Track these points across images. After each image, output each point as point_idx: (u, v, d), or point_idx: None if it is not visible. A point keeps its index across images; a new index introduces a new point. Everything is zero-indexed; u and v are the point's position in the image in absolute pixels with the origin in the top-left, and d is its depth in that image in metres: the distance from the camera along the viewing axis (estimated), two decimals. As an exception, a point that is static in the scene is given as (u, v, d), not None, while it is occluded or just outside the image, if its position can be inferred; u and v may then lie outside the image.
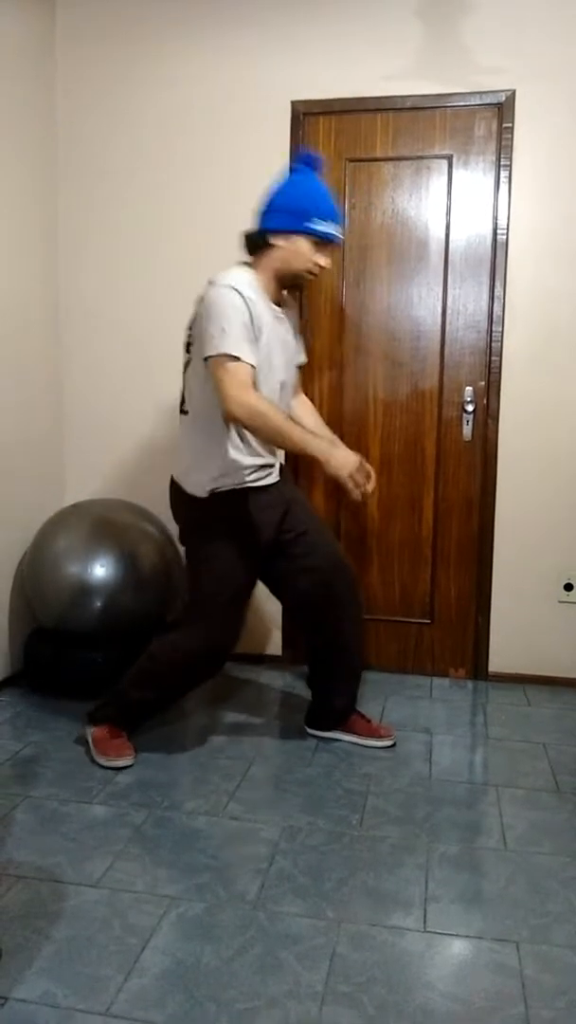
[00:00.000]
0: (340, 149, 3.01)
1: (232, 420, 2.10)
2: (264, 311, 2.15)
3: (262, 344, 2.14)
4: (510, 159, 2.89)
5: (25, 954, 1.62)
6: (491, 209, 2.95)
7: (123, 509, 2.98)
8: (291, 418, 2.25)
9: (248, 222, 2.26)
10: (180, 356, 2.37)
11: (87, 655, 2.85)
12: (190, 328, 2.22)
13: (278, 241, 2.17)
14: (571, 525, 3.02)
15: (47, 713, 2.76)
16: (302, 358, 2.45)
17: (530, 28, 2.83)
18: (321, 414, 2.76)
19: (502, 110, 2.88)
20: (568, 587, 3.05)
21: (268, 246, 2.18)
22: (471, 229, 2.97)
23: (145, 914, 1.75)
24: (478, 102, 2.89)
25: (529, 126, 2.87)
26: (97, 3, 3.11)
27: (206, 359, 2.10)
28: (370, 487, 2.15)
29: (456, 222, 2.98)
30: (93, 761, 2.41)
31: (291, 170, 2.24)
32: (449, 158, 2.96)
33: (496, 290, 2.95)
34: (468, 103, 2.90)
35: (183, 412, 2.29)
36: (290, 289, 2.29)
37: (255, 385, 2.11)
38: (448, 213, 2.98)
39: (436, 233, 3.00)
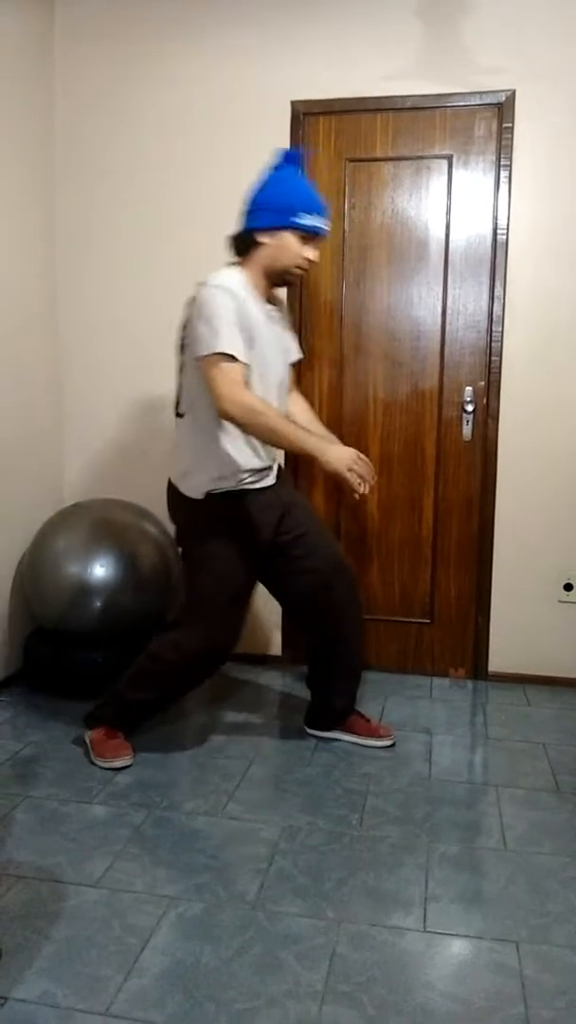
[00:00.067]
0: (340, 149, 3.01)
1: (226, 419, 2.10)
2: (255, 310, 2.16)
3: (255, 343, 2.14)
4: (510, 159, 2.89)
5: (25, 954, 1.62)
6: (491, 209, 2.95)
7: (123, 509, 2.98)
8: (286, 416, 2.25)
9: (248, 222, 2.26)
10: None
11: (87, 655, 2.85)
12: (182, 330, 2.22)
13: (265, 239, 2.17)
14: (571, 525, 3.02)
15: (47, 713, 2.76)
16: (296, 356, 2.45)
17: (530, 28, 2.83)
18: (321, 414, 2.76)
19: (502, 110, 2.88)
20: (568, 587, 3.05)
21: (256, 245, 2.18)
22: (471, 229, 2.97)
23: (145, 914, 1.75)
24: (478, 102, 2.89)
25: (529, 126, 2.87)
26: (96, 2, 3.11)
27: (198, 359, 2.10)
28: (371, 481, 2.15)
29: (456, 222, 2.98)
30: (92, 762, 2.41)
31: (272, 167, 2.23)
32: (449, 158, 2.96)
33: (496, 290, 2.95)
34: (468, 103, 2.90)
35: (178, 415, 2.29)
36: (281, 286, 2.28)
37: (248, 384, 2.11)
38: (448, 213, 2.98)
39: (436, 233, 3.00)
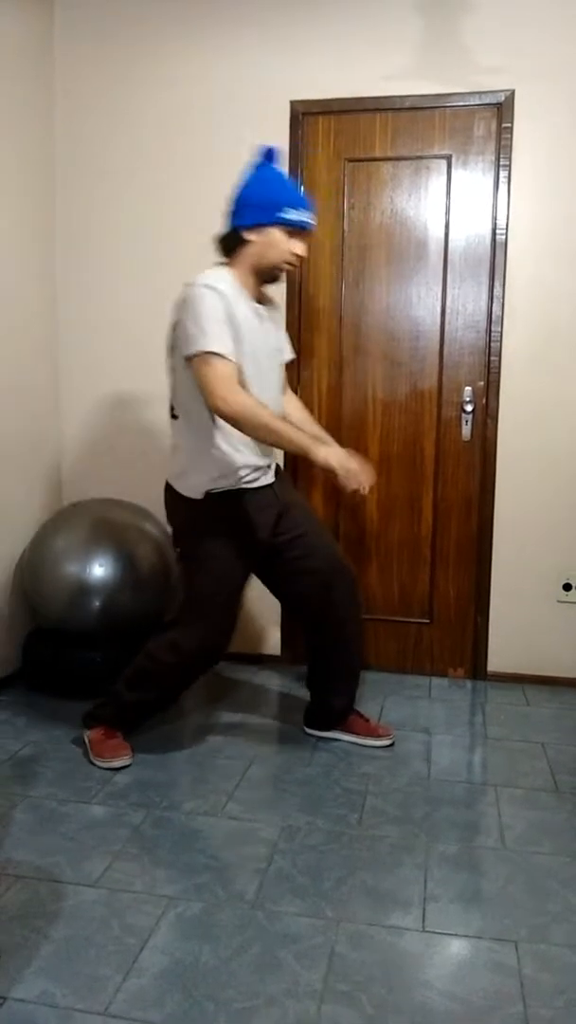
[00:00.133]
0: (339, 149, 3.01)
1: (219, 416, 2.10)
2: (244, 308, 2.16)
3: (244, 342, 2.14)
4: (509, 159, 2.89)
5: (24, 954, 1.62)
6: (490, 209, 2.95)
7: (122, 509, 2.98)
8: (281, 416, 2.25)
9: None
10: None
11: (86, 655, 2.85)
12: (171, 332, 2.21)
13: (252, 236, 2.17)
14: (570, 525, 3.03)
15: (46, 713, 2.76)
16: (288, 355, 2.45)
17: (529, 28, 2.83)
18: (320, 414, 2.77)
19: (501, 110, 2.88)
20: (567, 587, 3.05)
21: (243, 243, 2.18)
22: (470, 229, 2.97)
23: (144, 914, 1.75)
24: (477, 102, 2.89)
25: (528, 126, 2.87)
26: (96, 3, 3.11)
27: (189, 359, 2.10)
28: (367, 482, 2.11)
29: (455, 222, 2.98)
30: (90, 762, 2.41)
31: (254, 165, 2.24)
32: (448, 158, 2.96)
33: (495, 290, 2.96)
34: (467, 103, 2.90)
35: (173, 417, 2.29)
36: (270, 283, 2.28)
37: (241, 382, 2.11)
38: (447, 213, 2.98)
39: (435, 233, 3.00)
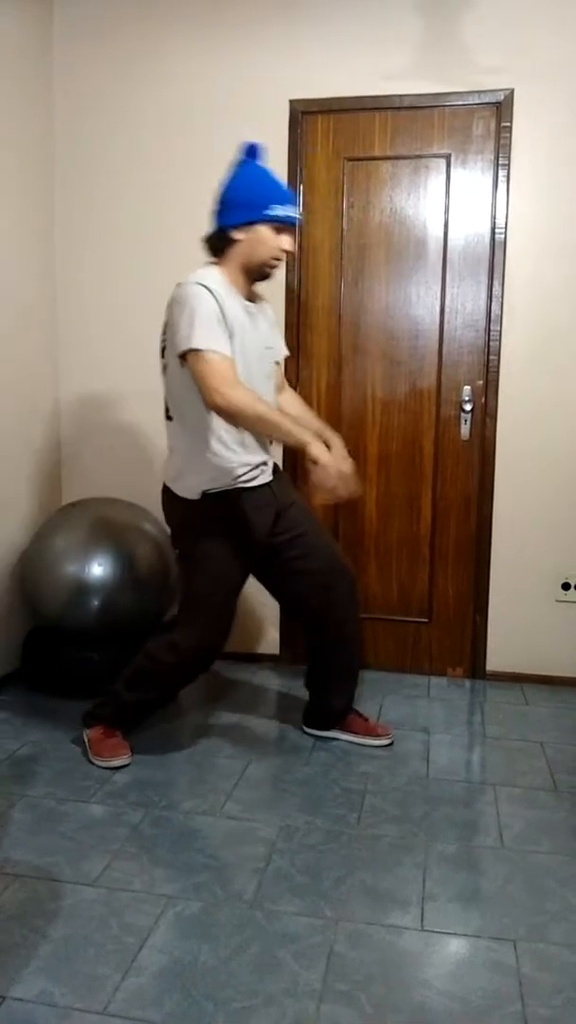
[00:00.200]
0: (338, 148, 3.01)
1: (216, 411, 2.10)
2: (235, 306, 2.16)
3: (235, 340, 2.14)
4: (508, 158, 2.89)
5: (22, 953, 1.62)
6: (489, 208, 2.95)
7: (121, 508, 2.98)
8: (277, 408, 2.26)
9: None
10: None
11: (85, 654, 2.85)
12: (164, 333, 2.21)
13: (239, 235, 2.17)
14: (569, 525, 3.03)
15: (45, 712, 2.76)
16: (282, 354, 2.44)
17: (529, 27, 2.83)
18: (319, 413, 2.75)
19: (500, 109, 2.88)
20: (566, 586, 3.05)
21: (230, 242, 2.18)
22: (469, 228, 2.97)
23: (142, 913, 1.75)
24: (476, 101, 2.89)
25: (528, 125, 2.87)
26: (95, 2, 3.11)
27: (183, 356, 2.10)
28: (346, 490, 2.06)
29: (454, 221, 2.98)
30: (90, 761, 2.41)
31: (236, 163, 2.24)
32: (447, 157, 2.95)
33: (494, 289, 2.95)
34: (466, 102, 2.90)
35: (168, 418, 2.29)
36: (260, 280, 2.28)
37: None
38: (446, 212, 2.98)
39: (434, 232, 3.00)
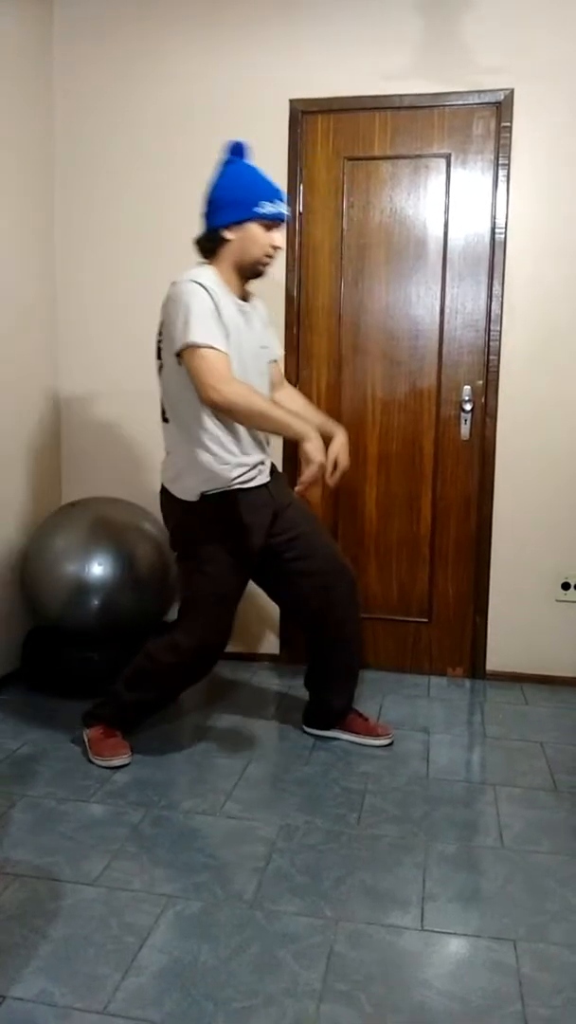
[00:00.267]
0: (338, 148, 3.01)
1: (212, 407, 2.10)
2: (229, 305, 2.16)
3: (230, 338, 2.14)
4: (508, 158, 2.89)
5: (22, 952, 1.62)
6: (489, 208, 2.95)
7: (121, 508, 2.98)
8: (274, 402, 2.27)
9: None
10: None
11: (85, 654, 2.85)
12: (160, 333, 2.21)
13: (230, 234, 2.17)
14: (569, 524, 3.03)
15: (45, 712, 2.76)
16: (277, 353, 2.44)
17: (529, 27, 2.83)
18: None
19: (500, 109, 2.88)
20: (566, 586, 3.05)
21: (222, 242, 2.19)
22: (469, 228, 2.97)
23: (142, 913, 1.75)
24: (476, 101, 2.89)
25: (527, 125, 2.87)
26: (95, 2, 3.11)
27: (179, 354, 2.10)
28: (335, 477, 2.25)
29: (454, 221, 2.98)
30: (89, 761, 2.41)
31: (223, 163, 2.24)
32: (447, 157, 2.95)
33: (494, 289, 2.96)
34: (466, 102, 2.90)
35: (164, 420, 2.28)
36: (252, 278, 2.27)
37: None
38: (446, 212, 2.98)
39: (434, 232, 3.00)
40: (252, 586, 2.46)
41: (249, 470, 2.25)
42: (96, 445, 3.30)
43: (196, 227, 3.07)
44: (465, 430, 3.05)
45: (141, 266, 3.17)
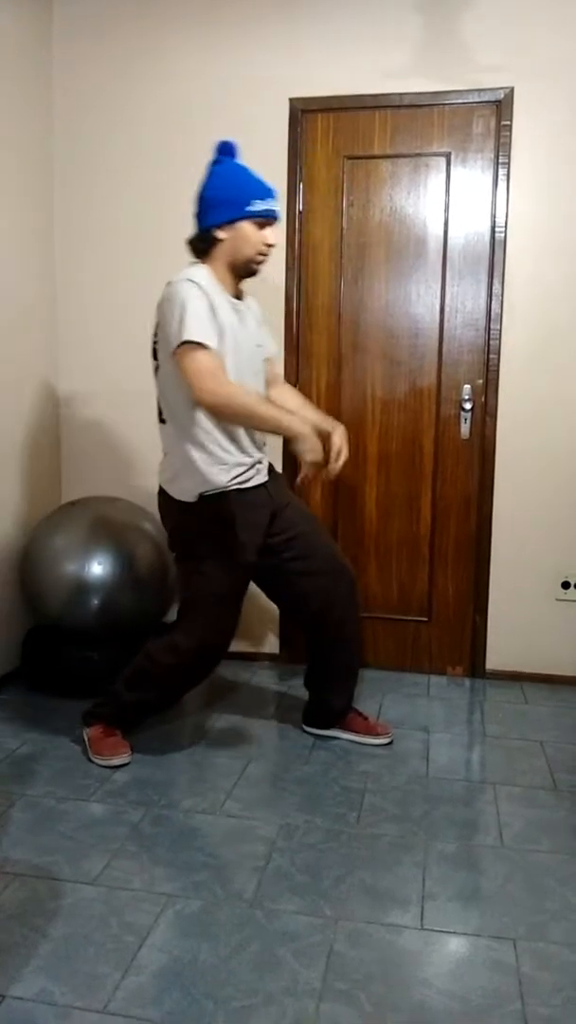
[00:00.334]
0: (338, 146, 3.01)
1: (202, 407, 2.11)
2: (223, 304, 2.16)
3: (226, 337, 2.14)
4: (508, 157, 2.89)
5: (22, 952, 1.62)
6: (489, 207, 2.94)
7: (121, 507, 2.98)
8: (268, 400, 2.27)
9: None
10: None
11: (85, 653, 2.85)
12: (155, 334, 2.21)
13: (223, 234, 2.17)
14: (569, 524, 3.03)
15: (44, 711, 2.76)
16: (271, 350, 2.44)
17: (529, 25, 2.83)
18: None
19: (500, 108, 2.87)
20: (565, 585, 3.05)
21: (214, 242, 2.19)
22: (469, 227, 2.97)
23: (142, 912, 1.75)
24: (476, 99, 2.89)
25: (528, 124, 2.87)
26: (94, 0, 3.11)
27: (172, 354, 2.10)
28: (338, 464, 2.25)
29: (454, 220, 2.98)
30: (89, 760, 2.41)
31: (213, 163, 2.24)
32: (447, 155, 2.95)
33: (494, 288, 2.95)
34: (467, 100, 2.90)
35: (161, 421, 2.28)
36: (246, 277, 2.27)
37: (224, 372, 2.12)
38: (446, 211, 2.98)
39: (434, 231, 2.99)
40: (252, 586, 2.46)
41: (247, 470, 2.25)
42: (96, 445, 3.30)
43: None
44: (465, 429, 3.04)
45: (141, 265, 3.16)
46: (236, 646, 2.45)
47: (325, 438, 2.27)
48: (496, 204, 2.92)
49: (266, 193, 2.18)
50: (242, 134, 3.00)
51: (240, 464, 2.23)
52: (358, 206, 3.03)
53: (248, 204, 2.15)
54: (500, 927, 1.72)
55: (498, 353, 2.98)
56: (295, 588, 2.42)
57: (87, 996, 1.51)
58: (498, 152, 2.90)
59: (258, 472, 2.30)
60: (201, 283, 2.11)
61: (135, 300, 3.18)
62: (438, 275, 3.01)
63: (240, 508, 2.24)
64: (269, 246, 2.21)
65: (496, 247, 2.94)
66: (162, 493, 2.32)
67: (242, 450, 2.23)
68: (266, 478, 2.33)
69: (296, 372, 3.10)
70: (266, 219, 2.18)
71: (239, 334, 2.20)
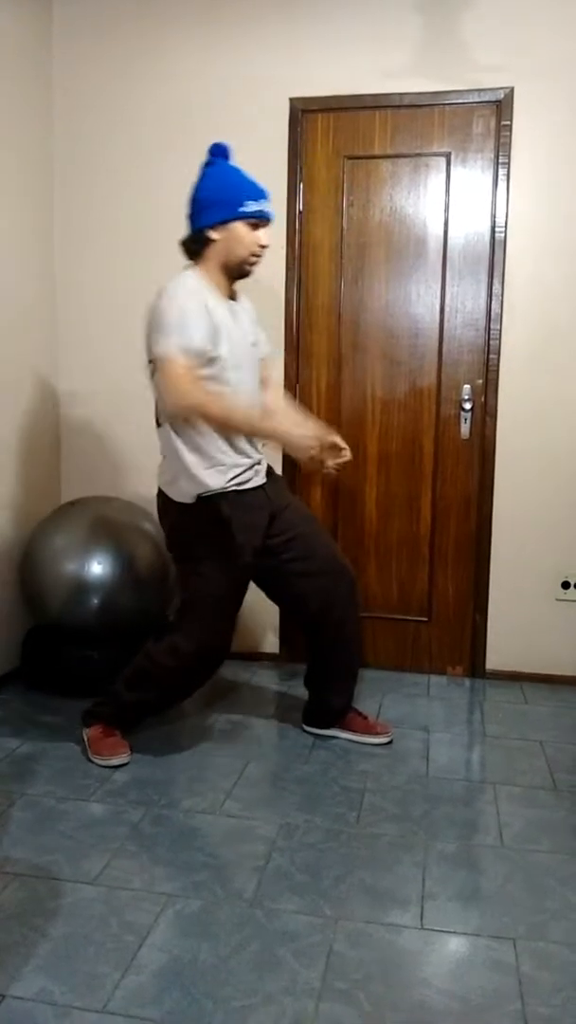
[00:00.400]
0: (338, 146, 3.01)
1: (177, 419, 2.13)
2: (217, 306, 2.17)
3: (221, 339, 2.14)
4: (508, 157, 2.89)
5: (22, 951, 1.62)
6: (489, 207, 2.94)
7: (120, 507, 2.98)
8: (261, 407, 2.28)
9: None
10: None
11: (85, 653, 2.85)
12: (147, 341, 2.22)
13: (215, 235, 2.18)
14: (569, 523, 3.03)
15: (44, 710, 2.76)
16: (266, 349, 2.44)
17: (529, 25, 2.83)
18: (319, 412, 2.76)
19: (500, 107, 2.87)
20: (565, 585, 3.05)
21: (207, 243, 2.19)
22: (469, 227, 2.97)
23: (142, 911, 1.75)
24: (477, 99, 2.89)
25: (527, 124, 2.87)
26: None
27: (148, 362, 2.13)
28: (341, 459, 2.21)
29: (454, 220, 2.98)
30: (89, 760, 2.41)
31: (205, 164, 2.24)
32: (447, 155, 2.95)
33: (494, 288, 2.95)
34: (467, 100, 2.90)
35: (158, 424, 2.29)
36: (240, 278, 2.27)
37: (219, 379, 2.13)
38: (446, 211, 2.98)
39: (434, 231, 2.99)
40: (252, 586, 2.46)
41: (244, 471, 2.25)
42: (95, 445, 3.29)
43: (196, 226, 3.09)
44: (465, 429, 3.04)
45: (141, 265, 3.16)
46: (236, 646, 2.45)
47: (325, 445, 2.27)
48: (496, 204, 2.92)
49: (259, 194, 2.18)
50: (242, 134, 3.01)
51: (237, 465, 2.23)
52: (358, 206, 3.03)
53: (241, 205, 2.15)
54: (500, 927, 1.72)
55: (498, 353, 2.98)
56: (295, 589, 2.42)
57: (87, 996, 1.51)
58: (498, 152, 2.90)
59: (256, 474, 2.30)
60: (191, 288, 2.11)
61: (135, 300, 3.16)
62: (438, 275, 3.01)
63: (238, 510, 2.24)
64: (262, 247, 2.21)
65: (496, 247, 2.94)
66: (161, 495, 2.32)
67: (239, 451, 2.24)
68: (264, 480, 2.33)
69: (296, 372, 3.10)
70: (259, 220, 2.19)
71: (234, 333, 2.20)
